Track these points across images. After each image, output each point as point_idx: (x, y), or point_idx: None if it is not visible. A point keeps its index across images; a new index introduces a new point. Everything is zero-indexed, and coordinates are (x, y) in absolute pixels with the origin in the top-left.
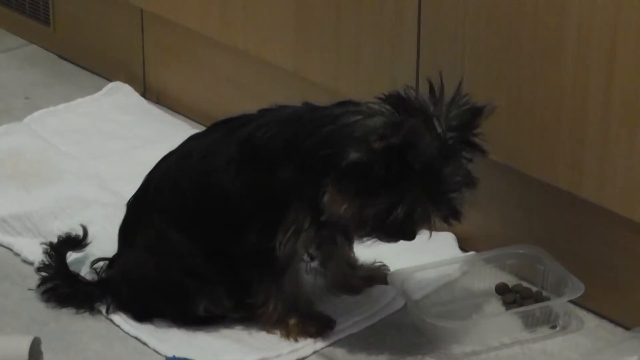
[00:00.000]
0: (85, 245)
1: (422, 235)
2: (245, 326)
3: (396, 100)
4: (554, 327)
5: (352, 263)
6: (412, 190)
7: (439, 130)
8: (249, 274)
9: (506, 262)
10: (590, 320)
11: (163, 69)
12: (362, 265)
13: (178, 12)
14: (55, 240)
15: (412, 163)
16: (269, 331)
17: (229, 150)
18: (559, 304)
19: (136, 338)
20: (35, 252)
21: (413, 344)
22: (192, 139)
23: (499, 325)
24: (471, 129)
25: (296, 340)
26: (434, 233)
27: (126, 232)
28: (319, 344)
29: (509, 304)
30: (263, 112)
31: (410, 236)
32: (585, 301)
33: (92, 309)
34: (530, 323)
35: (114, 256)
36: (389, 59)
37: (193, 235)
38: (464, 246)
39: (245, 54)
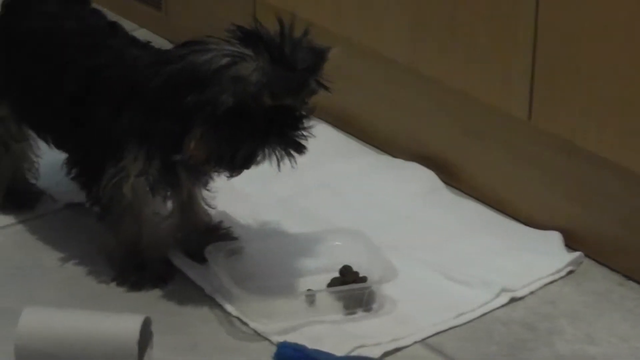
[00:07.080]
0: None
1: (529, 233)
2: (347, 313)
3: (249, 38)
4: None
5: (205, 221)
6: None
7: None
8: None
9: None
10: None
11: None
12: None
13: (290, 1)
14: None
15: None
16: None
17: (73, 74)
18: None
19: (238, 319)
20: None
21: (522, 339)
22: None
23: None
24: (318, 71)
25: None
26: (542, 231)
27: None
28: (421, 334)
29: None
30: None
31: (249, 167)
32: None
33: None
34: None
35: None
36: (503, 53)
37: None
38: (571, 245)
39: (358, 45)
